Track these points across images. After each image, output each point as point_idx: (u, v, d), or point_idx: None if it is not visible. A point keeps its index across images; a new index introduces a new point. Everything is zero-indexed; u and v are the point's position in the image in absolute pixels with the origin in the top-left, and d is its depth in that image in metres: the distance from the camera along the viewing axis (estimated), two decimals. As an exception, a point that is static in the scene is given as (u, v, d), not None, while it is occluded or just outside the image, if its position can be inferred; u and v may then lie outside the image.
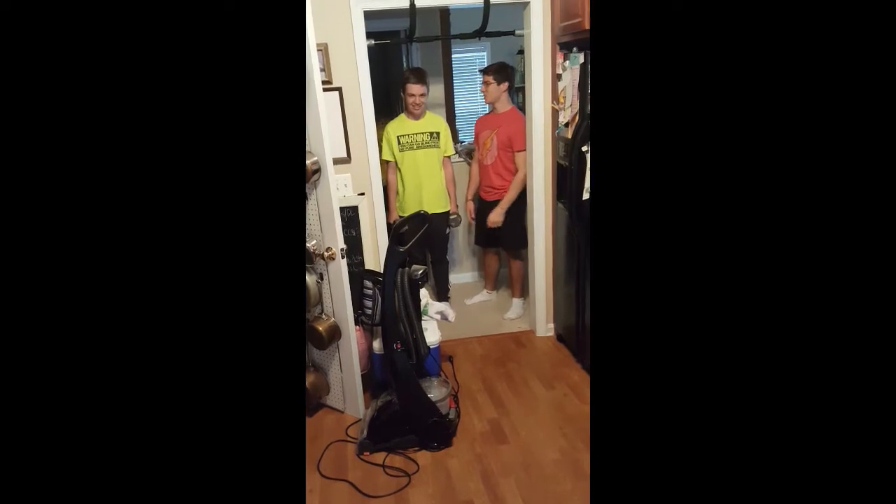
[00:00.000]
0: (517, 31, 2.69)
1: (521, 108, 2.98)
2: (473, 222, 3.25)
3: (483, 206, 3.08)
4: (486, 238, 3.18)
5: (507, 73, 2.87)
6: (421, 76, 2.77)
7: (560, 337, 2.84)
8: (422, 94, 2.74)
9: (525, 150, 2.76)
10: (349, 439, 2.16)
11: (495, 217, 2.92)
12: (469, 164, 3.51)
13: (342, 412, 2.34)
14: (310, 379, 2.27)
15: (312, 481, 1.94)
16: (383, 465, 1.99)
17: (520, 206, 2.97)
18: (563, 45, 2.42)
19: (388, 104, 3.62)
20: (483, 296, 3.42)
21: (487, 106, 3.07)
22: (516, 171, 2.87)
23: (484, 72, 2.88)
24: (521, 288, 3.17)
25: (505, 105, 2.91)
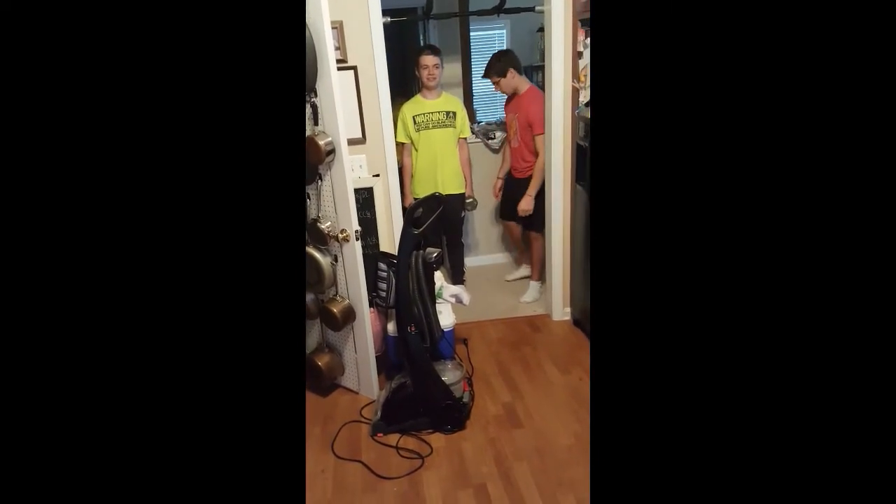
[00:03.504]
0: (537, 8, 2.61)
1: (541, 86, 2.91)
2: (499, 198, 3.29)
3: (510, 182, 3.09)
4: (504, 211, 3.24)
5: (507, 60, 2.83)
6: (434, 49, 2.75)
7: (576, 321, 2.81)
8: (435, 66, 2.69)
9: (543, 133, 2.71)
10: (363, 420, 2.17)
11: (525, 205, 2.90)
12: (486, 146, 3.47)
13: (357, 393, 2.35)
14: (324, 360, 2.28)
15: (326, 461, 1.96)
16: (397, 447, 2.00)
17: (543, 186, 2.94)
18: (585, 21, 2.34)
19: (404, 84, 3.57)
20: (523, 271, 3.38)
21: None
22: (538, 153, 2.82)
23: (486, 76, 2.89)
24: (541, 272, 3.14)
25: (524, 86, 2.88)
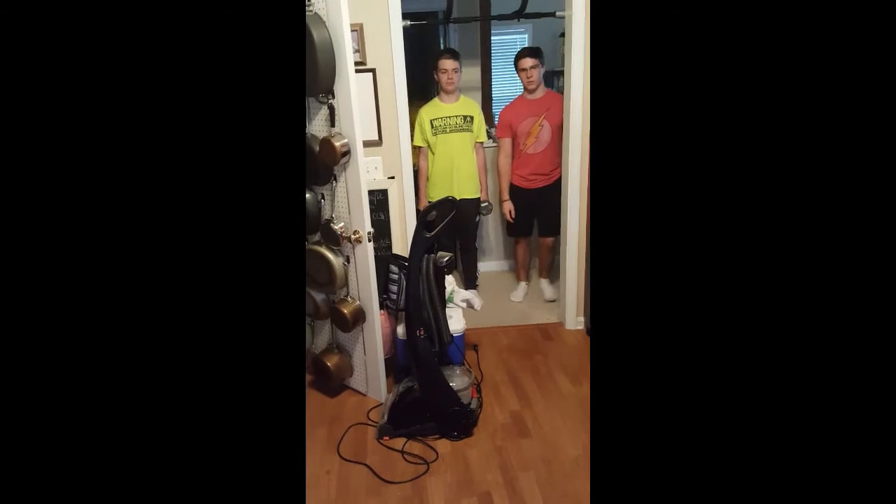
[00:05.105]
0: (558, 13, 2.59)
1: (561, 91, 2.88)
2: (511, 216, 3.01)
3: (527, 196, 2.93)
4: (525, 227, 3.07)
5: (541, 55, 2.79)
6: (453, 53, 2.74)
7: (590, 331, 2.77)
8: (455, 70, 2.68)
9: None
10: (370, 423, 2.16)
11: None
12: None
13: (364, 395, 2.34)
14: (334, 360, 2.28)
15: (331, 462, 1.96)
16: (402, 451, 1.99)
17: (559, 191, 2.87)
18: (606, 27, 2.31)
19: (422, 87, 3.56)
20: (524, 288, 3.25)
21: (519, 90, 2.95)
22: None
23: (529, 55, 2.73)
24: (549, 270, 3.15)
25: (543, 88, 2.83)
